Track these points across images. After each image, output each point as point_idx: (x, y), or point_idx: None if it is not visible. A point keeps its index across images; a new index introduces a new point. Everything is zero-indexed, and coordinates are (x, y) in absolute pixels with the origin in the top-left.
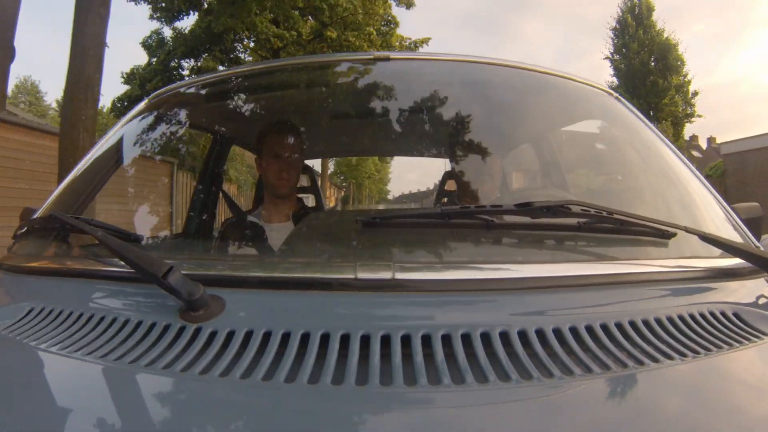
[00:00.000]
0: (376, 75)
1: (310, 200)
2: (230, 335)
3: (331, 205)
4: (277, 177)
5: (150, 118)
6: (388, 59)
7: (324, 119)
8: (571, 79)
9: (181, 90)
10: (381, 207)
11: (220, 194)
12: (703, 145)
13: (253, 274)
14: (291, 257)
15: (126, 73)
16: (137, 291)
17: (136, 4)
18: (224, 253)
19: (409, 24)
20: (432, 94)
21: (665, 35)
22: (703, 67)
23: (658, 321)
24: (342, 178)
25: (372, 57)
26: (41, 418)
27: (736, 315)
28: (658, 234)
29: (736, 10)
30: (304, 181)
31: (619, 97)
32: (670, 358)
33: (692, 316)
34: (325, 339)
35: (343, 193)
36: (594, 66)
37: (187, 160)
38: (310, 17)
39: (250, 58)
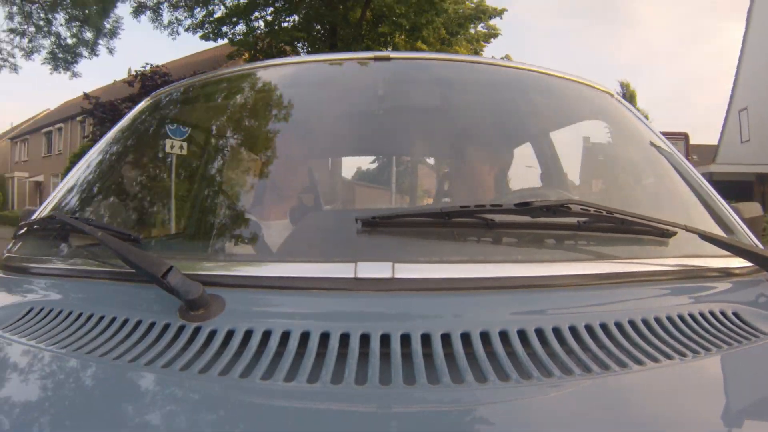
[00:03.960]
0: (376, 75)
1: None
2: (230, 334)
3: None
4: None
5: (150, 118)
6: (388, 59)
7: (324, 119)
8: (570, 80)
9: (182, 89)
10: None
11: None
12: None
13: (252, 274)
14: (290, 256)
15: None
16: (137, 291)
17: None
18: (224, 253)
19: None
20: (432, 94)
21: None
22: None
23: (658, 320)
24: None
25: (372, 56)
26: (41, 417)
27: (735, 314)
28: (658, 233)
29: None
30: (304, 180)
31: (619, 98)
32: (669, 357)
33: (692, 316)
34: (324, 338)
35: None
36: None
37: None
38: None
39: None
